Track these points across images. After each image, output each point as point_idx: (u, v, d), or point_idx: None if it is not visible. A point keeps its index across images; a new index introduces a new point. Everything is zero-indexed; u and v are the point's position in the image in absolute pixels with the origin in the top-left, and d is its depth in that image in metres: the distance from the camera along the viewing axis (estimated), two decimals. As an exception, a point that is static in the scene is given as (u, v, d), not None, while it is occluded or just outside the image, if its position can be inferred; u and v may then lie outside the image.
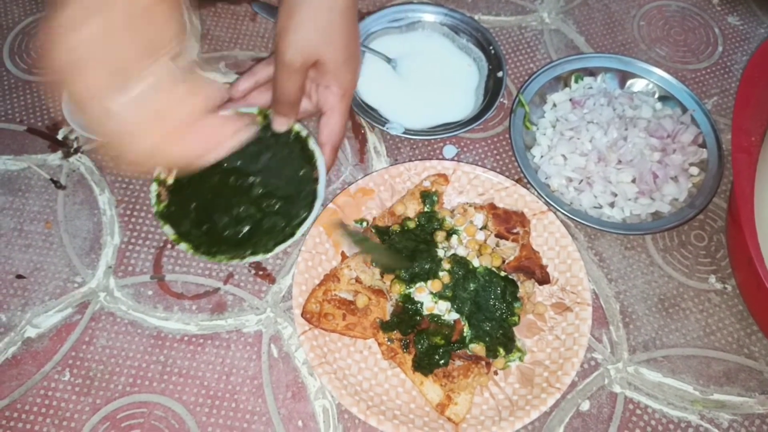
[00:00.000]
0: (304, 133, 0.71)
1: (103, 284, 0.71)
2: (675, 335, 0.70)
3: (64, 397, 0.64)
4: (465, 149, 0.82)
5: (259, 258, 0.66)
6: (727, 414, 0.65)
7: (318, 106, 0.72)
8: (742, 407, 0.66)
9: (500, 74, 0.84)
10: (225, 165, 0.71)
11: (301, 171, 0.70)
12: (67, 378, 0.65)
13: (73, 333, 0.68)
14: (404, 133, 0.79)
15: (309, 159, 0.71)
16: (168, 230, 0.67)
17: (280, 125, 0.70)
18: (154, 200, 0.68)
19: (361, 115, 0.80)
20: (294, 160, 0.71)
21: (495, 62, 0.85)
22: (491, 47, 0.86)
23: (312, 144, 0.71)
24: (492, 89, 0.84)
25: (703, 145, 0.79)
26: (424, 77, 0.86)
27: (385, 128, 0.79)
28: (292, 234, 0.67)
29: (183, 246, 0.66)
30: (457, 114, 0.82)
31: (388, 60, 0.86)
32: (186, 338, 0.68)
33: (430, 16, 0.90)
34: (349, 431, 0.63)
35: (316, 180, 0.70)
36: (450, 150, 0.81)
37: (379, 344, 0.65)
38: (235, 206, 0.70)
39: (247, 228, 0.69)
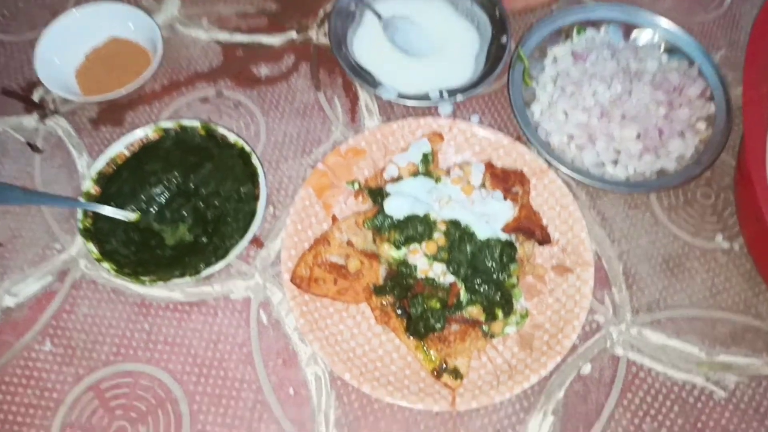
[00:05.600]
0: (247, 148, 0.69)
1: (84, 251, 0.68)
2: (680, 296, 0.67)
3: (46, 368, 0.62)
4: (461, 106, 0.78)
5: (185, 281, 0.62)
6: (733, 376, 0.63)
7: None
8: (748, 369, 0.64)
9: (504, 40, 0.78)
10: (161, 175, 0.68)
11: (243, 187, 0.67)
12: (48, 348, 0.63)
13: (53, 301, 0.65)
14: (398, 97, 0.74)
15: (252, 176, 0.67)
16: (91, 248, 0.63)
17: None
18: (80, 216, 0.65)
19: (352, 77, 0.76)
20: (236, 176, 0.68)
21: (499, 26, 0.79)
22: (497, 10, 0.80)
23: (255, 160, 0.68)
24: (494, 55, 0.78)
25: (710, 99, 0.76)
26: (420, 42, 0.81)
27: (376, 91, 0.75)
28: (224, 256, 0.63)
29: (106, 265, 0.62)
30: (454, 80, 0.77)
31: (379, 17, 0.81)
32: (171, 305, 0.65)
33: None
34: (342, 398, 0.61)
35: (257, 198, 0.66)
36: (445, 108, 0.78)
37: (372, 309, 0.62)
38: (168, 221, 0.67)
39: (177, 247, 0.66)
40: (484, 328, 0.61)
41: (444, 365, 0.59)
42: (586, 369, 0.63)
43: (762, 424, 0.61)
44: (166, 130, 0.70)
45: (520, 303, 0.64)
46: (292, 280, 0.62)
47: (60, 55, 0.76)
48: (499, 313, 0.60)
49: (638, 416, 0.61)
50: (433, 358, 0.59)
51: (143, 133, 0.70)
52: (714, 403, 0.62)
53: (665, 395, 0.62)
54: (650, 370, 0.63)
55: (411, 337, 0.60)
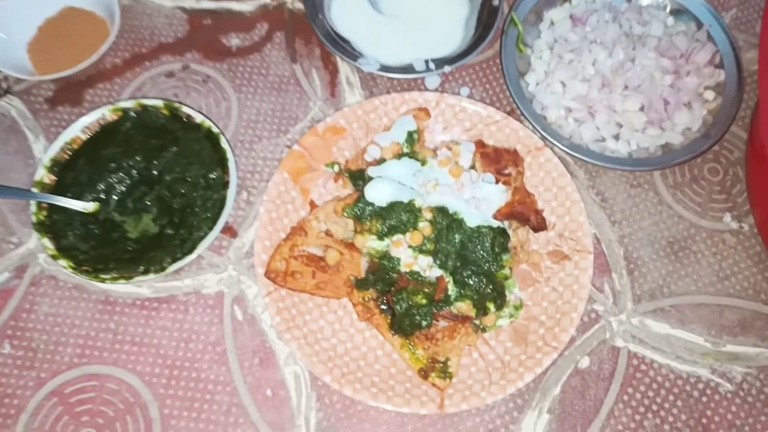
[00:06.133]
0: (215, 129, 0.63)
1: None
2: (685, 282, 0.63)
3: (5, 372, 0.58)
4: (449, 78, 0.72)
5: (149, 278, 0.57)
6: (740, 367, 0.59)
7: None
8: (757, 359, 0.60)
9: (496, 2, 0.73)
10: (121, 161, 0.62)
11: (211, 173, 0.62)
12: (7, 351, 0.58)
13: (11, 300, 0.60)
14: (380, 70, 0.69)
15: (221, 160, 0.62)
16: (46, 243, 0.58)
17: None
18: (34, 209, 0.60)
19: (330, 48, 0.70)
20: (204, 160, 0.62)
21: None
22: None
23: (224, 143, 0.62)
24: (485, 21, 0.72)
25: (720, 66, 0.70)
26: (404, 6, 0.75)
27: (357, 64, 0.69)
28: (192, 249, 0.58)
29: (62, 263, 0.57)
30: (442, 49, 0.72)
31: None
32: (138, 302, 0.61)
33: None
34: (323, 399, 0.57)
35: (227, 185, 0.61)
36: (433, 80, 0.71)
37: (354, 305, 0.58)
38: (130, 211, 0.62)
39: (141, 240, 0.61)
40: (476, 321, 0.57)
41: (432, 364, 0.55)
42: (584, 362, 0.59)
43: (770, 418, 0.58)
44: (125, 111, 0.64)
45: (513, 293, 0.60)
46: (267, 274, 0.57)
47: (9, 28, 0.69)
48: (491, 307, 0.56)
49: (639, 412, 0.57)
50: (419, 356, 0.55)
51: (99, 114, 0.64)
52: (720, 397, 0.58)
53: (668, 389, 0.58)
54: (652, 362, 0.59)
55: (396, 335, 0.56)
